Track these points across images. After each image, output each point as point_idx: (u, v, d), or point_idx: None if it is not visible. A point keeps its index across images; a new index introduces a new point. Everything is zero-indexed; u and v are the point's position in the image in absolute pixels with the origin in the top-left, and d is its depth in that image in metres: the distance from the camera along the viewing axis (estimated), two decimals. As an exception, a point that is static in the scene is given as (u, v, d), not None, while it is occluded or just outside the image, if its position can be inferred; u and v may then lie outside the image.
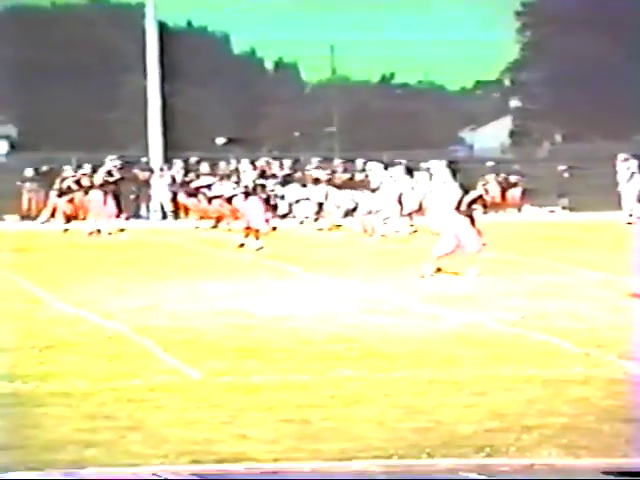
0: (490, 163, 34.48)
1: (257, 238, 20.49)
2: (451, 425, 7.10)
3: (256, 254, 19.45)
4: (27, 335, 10.54)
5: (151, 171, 33.39)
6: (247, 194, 21.43)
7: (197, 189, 27.65)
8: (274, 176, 29.58)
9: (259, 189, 21.85)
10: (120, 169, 27.39)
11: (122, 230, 24.95)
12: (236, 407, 7.60)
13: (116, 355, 9.46)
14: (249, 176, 22.33)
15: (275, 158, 32.94)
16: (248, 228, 20.80)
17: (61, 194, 27.01)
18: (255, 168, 24.92)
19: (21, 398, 7.86)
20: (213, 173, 29.36)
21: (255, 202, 21.33)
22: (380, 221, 24.44)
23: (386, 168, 26.53)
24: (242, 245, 20.50)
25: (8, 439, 6.76)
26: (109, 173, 26.68)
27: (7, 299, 13.26)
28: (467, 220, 15.67)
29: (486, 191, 16.19)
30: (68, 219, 26.28)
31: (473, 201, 15.92)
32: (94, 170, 28.72)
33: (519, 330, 10.72)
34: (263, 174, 25.87)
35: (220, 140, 32.65)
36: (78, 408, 7.59)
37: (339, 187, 28.83)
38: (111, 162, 27.02)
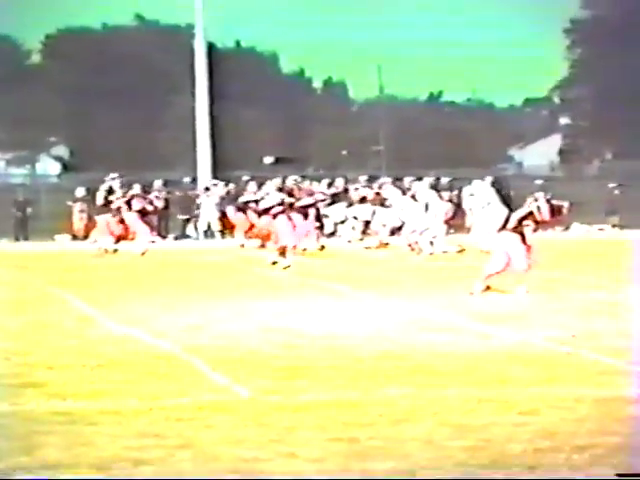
0: (539, 181, 34.30)
1: (285, 256, 20.62)
2: (501, 444, 7.06)
3: (304, 273, 19.48)
4: (78, 353, 10.64)
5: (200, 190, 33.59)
6: (277, 212, 21.66)
7: (246, 204, 27.82)
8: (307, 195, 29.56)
9: (287, 208, 22.02)
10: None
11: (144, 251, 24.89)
12: (284, 425, 7.61)
13: (165, 374, 9.52)
14: (274, 197, 22.49)
15: (320, 178, 32.99)
16: (281, 247, 20.95)
17: (112, 214, 27.26)
18: (282, 190, 25.07)
19: (72, 416, 7.92)
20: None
21: (283, 220, 21.45)
22: (427, 240, 24.41)
23: (434, 187, 26.56)
24: (275, 263, 20.60)
25: (59, 457, 6.82)
26: (145, 198, 26.91)
27: (58, 318, 13.40)
28: (517, 237, 15.60)
29: (538, 208, 16.08)
30: (118, 239, 26.54)
31: (523, 218, 15.84)
32: (145, 190, 28.99)
33: (569, 349, 10.64)
34: (291, 194, 26.03)
35: (268, 159, 32.81)
36: (128, 426, 7.65)
37: (357, 202, 28.95)
38: (112, 180, 27.07)
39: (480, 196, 25.47)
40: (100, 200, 26.24)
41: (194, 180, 35.64)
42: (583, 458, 6.69)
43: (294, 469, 6.53)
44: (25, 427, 7.62)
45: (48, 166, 64.34)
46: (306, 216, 25.39)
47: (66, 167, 61.33)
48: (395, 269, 20.71)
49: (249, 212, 27.27)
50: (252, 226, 27.05)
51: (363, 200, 30.03)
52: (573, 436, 7.21)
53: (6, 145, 63.53)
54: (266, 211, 23.30)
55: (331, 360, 10.09)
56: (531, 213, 16.02)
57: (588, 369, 9.61)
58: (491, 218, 23.61)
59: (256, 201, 26.57)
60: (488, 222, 23.83)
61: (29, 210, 33.36)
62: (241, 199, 28.40)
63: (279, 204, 21.79)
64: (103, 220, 25.96)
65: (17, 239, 32.55)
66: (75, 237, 31.74)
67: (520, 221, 15.78)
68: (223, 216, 31.63)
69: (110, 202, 26.10)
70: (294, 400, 8.39)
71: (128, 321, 12.83)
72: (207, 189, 33.34)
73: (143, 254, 24.67)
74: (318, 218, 27.69)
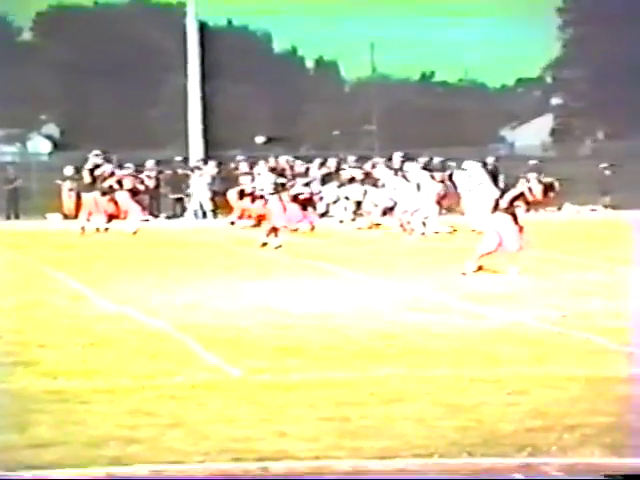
0: (532, 161, 34.33)
1: (276, 236, 20.74)
2: (492, 424, 7.08)
3: (296, 253, 19.49)
4: (70, 332, 10.63)
5: (191, 170, 33.53)
6: (269, 193, 21.76)
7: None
8: (299, 175, 29.57)
9: (280, 188, 22.09)
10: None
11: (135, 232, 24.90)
12: (276, 405, 7.62)
13: (158, 352, 9.53)
14: (266, 178, 22.49)
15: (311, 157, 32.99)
16: (273, 228, 21.02)
17: (103, 193, 27.21)
18: (273, 170, 25.01)
19: (64, 395, 7.93)
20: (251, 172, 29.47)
21: (274, 201, 21.50)
22: (419, 220, 24.43)
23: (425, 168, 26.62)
24: (264, 244, 20.69)
25: (52, 436, 6.83)
26: (137, 177, 26.92)
27: (51, 296, 13.39)
28: (509, 218, 15.61)
29: (529, 189, 16.09)
30: (109, 218, 26.47)
31: (515, 198, 15.85)
32: (137, 170, 28.93)
33: (561, 329, 10.66)
34: (282, 174, 25.98)
35: (260, 139, 32.78)
36: (120, 405, 7.65)
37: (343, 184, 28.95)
38: (95, 157, 27.01)
39: (471, 177, 25.53)
40: (87, 178, 26.19)
41: (186, 159, 35.56)
42: (574, 437, 6.72)
43: (285, 448, 6.55)
44: (17, 405, 7.63)
45: (39, 144, 64.16)
46: (304, 207, 25.43)
47: (57, 145, 61.15)
48: (387, 250, 20.72)
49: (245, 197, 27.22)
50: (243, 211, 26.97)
51: (352, 180, 30.03)
52: (564, 416, 7.23)
53: (-4, 123, 63.33)
54: (261, 195, 23.37)
55: (323, 340, 10.11)
56: (522, 194, 16.02)
57: (579, 349, 9.64)
58: (482, 199, 23.74)
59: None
60: (479, 203, 23.97)
61: (19, 186, 33.25)
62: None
63: (274, 187, 21.85)
64: (90, 198, 25.90)
65: (8, 217, 32.49)
66: (66, 216, 31.70)
67: (512, 201, 15.79)
68: (215, 196, 31.59)
69: (96, 179, 26.05)
70: (286, 379, 8.41)
71: (120, 300, 12.83)
72: (198, 168, 33.27)
73: (135, 233, 24.64)
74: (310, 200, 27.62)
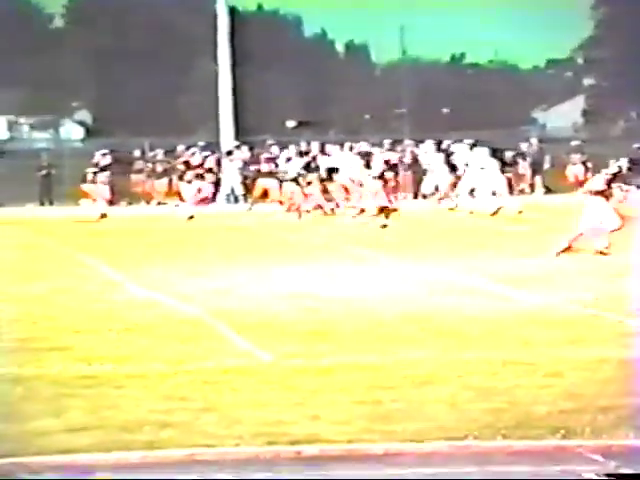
0: (575, 142, 34.28)
1: (386, 217, 21.69)
2: (526, 406, 7.05)
3: (326, 238, 19.48)
4: (104, 318, 10.69)
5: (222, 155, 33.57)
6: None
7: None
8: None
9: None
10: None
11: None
12: (308, 389, 7.62)
13: (190, 338, 9.56)
14: (296, 163, 22.73)
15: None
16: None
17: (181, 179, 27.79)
18: (303, 155, 25.13)
19: (99, 380, 7.97)
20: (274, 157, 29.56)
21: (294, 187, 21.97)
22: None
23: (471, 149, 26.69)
24: (385, 226, 20.89)
25: (87, 420, 6.87)
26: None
27: (84, 283, 13.46)
28: (603, 199, 15.84)
29: (619, 168, 16.43)
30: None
31: (611, 179, 16.09)
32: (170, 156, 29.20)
33: (594, 311, 10.59)
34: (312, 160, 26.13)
35: (290, 123, 32.74)
36: (154, 390, 7.68)
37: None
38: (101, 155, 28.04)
39: (475, 161, 25.87)
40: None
41: (217, 144, 35.59)
42: (608, 419, 6.68)
43: (318, 431, 6.55)
44: (52, 390, 7.68)
45: (72, 131, 64.41)
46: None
47: (89, 131, 61.38)
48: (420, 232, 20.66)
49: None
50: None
51: (386, 164, 29.90)
52: (597, 398, 7.19)
53: (30, 110, 63.61)
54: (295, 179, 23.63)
55: (354, 324, 10.10)
56: (616, 174, 16.25)
57: (612, 331, 9.57)
58: (484, 182, 24.34)
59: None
60: (481, 186, 24.54)
61: (52, 172, 33.47)
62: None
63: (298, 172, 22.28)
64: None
65: (42, 204, 32.66)
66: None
67: (608, 183, 16.01)
68: (245, 179, 31.58)
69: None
70: (317, 364, 8.40)
71: (153, 286, 12.87)
72: (230, 153, 33.28)
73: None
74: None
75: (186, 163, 29.81)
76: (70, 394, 7.53)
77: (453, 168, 27.71)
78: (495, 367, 8.17)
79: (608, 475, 5.40)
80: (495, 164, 25.69)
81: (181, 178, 28.03)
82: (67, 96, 64.94)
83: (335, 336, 9.49)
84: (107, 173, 27.92)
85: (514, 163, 32.68)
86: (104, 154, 29.50)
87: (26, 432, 6.61)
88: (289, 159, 28.42)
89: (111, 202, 28.60)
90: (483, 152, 26.19)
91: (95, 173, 27.29)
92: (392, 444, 6.31)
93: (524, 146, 33.87)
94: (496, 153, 26.42)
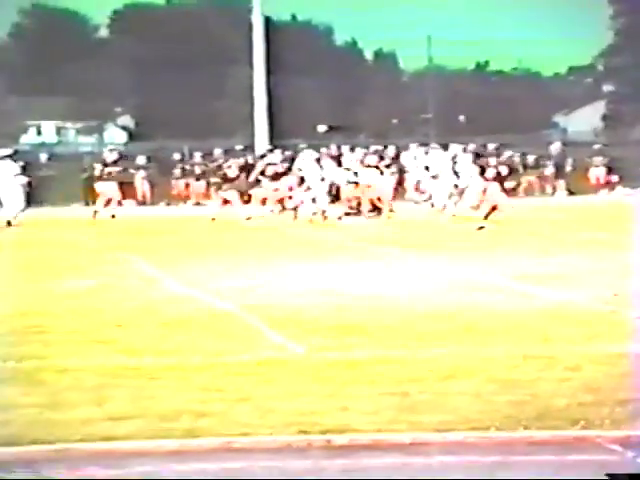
0: (597, 145, 34.09)
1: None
2: (546, 398, 7.00)
3: (350, 236, 19.47)
4: (144, 313, 10.73)
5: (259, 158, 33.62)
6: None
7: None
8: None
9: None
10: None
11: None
12: (338, 381, 7.61)
13: (225, 332, 9.57)
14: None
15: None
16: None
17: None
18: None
19: (139, 371, 8.01)
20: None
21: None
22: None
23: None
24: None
25: (127, 409, 6.90)
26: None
27: (126, 279, 13.52)
28: None
29: None
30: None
31: None
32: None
33: (613, 307, 10.51)
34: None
35: (322, 128, 32.72)
36: (191, 381, 7.70)
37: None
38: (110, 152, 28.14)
39: (432, 166, 25.98)
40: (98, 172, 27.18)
41: (252, 148, 35.66)
42: (625, 411, 6.63)
43: (348, 422, 6.54)
44: (95, 381, 7.71)
45: (115, 135, 64.74)
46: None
47: (132, 136, 61.67)
48: (441, 232, 20.60)
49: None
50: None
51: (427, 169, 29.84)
52: (615, 391, 7.13)
53: (76, 115, 64.00)
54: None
55: (382, 319, 10.08)
56: None
57: (630, 327, 9.49)
58: (439, 187, 24.44)
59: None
60: (436, 190, 24.77)
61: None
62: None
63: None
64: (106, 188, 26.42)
65: (87, 204, 32.85)
66: (140, 203, 32.01)
67: None
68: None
69: (109, 173, 26.85)
70: (347, 357, 8.39)
71: (190, 283, 12.91)
72: (263, 156, 33.32)
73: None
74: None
75: (223, 174, 29.37)
76: (112, 385, 7.57)
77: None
78: (516, 361, 8.13)
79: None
80: (449, 166, 25.52)
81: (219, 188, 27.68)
82: (111, 102, 65.30)
83: (364, 331, 9.48)
84: (117, 169, 27.85)
85: (540, 166, 32.54)
86: (111, 150, 29.42)
87: (71, 420, 6.65)
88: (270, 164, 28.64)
89: (146, 202, 28.74)
90: (439, 155, 26.23)
91: (104, 170, 27.21)
92: (418, 434, 6.29)
93: (552, 148, 33.74)
94: (479, 158, 26.06)
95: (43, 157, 36.08)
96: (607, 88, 65.45)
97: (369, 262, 14.93)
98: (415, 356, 8.38)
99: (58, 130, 65.71)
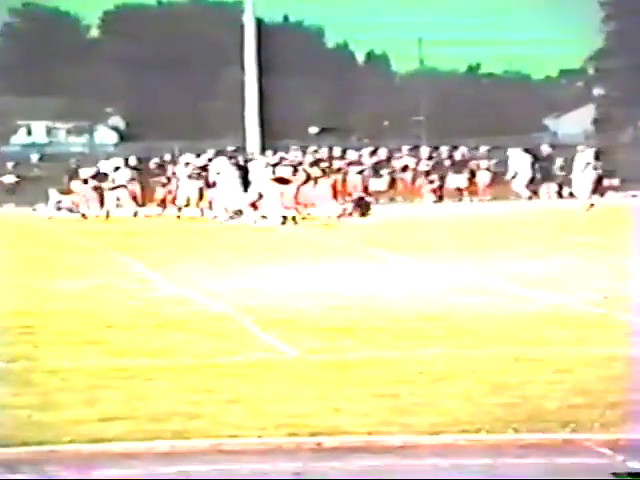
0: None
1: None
2: (536, 401, 7.02)
3: (347, 238, 19.48)
4: (137, 314, 10.72)
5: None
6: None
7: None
8: (353, 164, 29.49)
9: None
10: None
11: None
12: (330, 383, 7.62)
13: (218, 333, 9.57)
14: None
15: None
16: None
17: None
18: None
19: (131, 372, 8.00)
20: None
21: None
22: None
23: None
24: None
25: (119, 410, 6.89)
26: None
27: (119, 280, 13.50)
28: None
29: None
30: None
31: None
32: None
33: (604, 310, 10.54)
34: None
35: (313, 130, 32.76)
36: (183, 382, 7.70)
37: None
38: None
39: (216, 169, 26.06)
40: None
41: (243, 149, 35.67)
42: (616, 414, 6.65)
43: (338, 424, 6.55)
44: (86, 382, 7.71)
45: (105, 136, 64.68)
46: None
47: (122, 137, 61.62)
48: (436, 234, 20.64)
49: None
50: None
51: (405, 169, 29.89)
52: (605, 393, 7.15)
53: (66, 116, 63.91)
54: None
55: (374, 321, 10.09)
56: None
57: (620, 330, 9.52)
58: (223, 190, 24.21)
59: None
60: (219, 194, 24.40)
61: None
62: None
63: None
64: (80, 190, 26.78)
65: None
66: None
67: None
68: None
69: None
70: (339, 359, 8.40)
71: (184, 284, 12.90)
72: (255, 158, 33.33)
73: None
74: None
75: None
76: (103, 386, 7.56)
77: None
78: (507, 363, 8.14)
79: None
80: (236, 175, 25.14)
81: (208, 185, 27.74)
82: (101, 103, 65.24)
83: (356, 333, 9.49)
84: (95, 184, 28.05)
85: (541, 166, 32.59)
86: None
87: (61, 421, 6.64)
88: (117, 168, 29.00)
89: (141, 204, 28.74)
90: (224, 162, 26.15)
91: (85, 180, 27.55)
92: (409, 436, 6.30)
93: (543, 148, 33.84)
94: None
95: (34, 157, 36.04)
96: (598, 91, 65.64)
97: (365, 264, 14.93)
98: (406, 358, 8.40)
99: (49, 130, 65.61)
